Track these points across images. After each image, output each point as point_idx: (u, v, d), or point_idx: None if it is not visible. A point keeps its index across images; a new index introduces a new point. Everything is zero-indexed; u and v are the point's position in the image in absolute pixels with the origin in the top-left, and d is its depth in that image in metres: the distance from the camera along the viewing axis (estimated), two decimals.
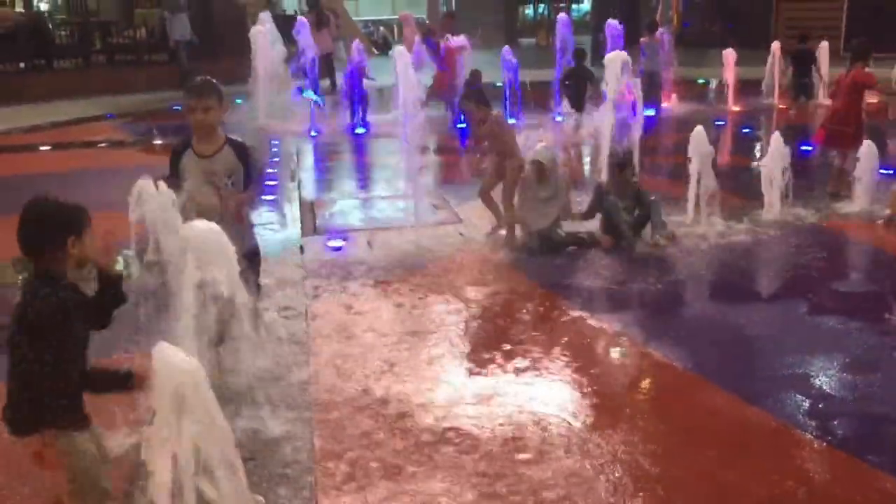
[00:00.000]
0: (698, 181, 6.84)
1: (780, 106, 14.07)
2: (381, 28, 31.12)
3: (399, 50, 6.91)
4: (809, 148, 9.38)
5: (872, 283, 5.99)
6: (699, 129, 6.85)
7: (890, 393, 4.18)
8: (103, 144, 12.36)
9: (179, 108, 15.55)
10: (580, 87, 12.22)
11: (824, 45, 14.23)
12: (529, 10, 36.48)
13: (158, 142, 12.09)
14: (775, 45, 14.27)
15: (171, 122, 13.83)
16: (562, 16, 14.01)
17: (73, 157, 11.21)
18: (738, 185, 8.34)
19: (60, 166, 10.35)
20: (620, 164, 6.67)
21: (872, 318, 5.20)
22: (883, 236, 6.82)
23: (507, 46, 13.16)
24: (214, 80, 4.21)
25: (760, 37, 19.41)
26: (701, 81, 17.71)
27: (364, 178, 10.45)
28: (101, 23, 20.57)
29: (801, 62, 13.75)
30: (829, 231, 6.99)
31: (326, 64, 14.02)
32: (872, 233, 6.94)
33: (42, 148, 12.09)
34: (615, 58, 6.75)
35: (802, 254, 6.41)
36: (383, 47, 15.80)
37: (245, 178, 4.22)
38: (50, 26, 19.52)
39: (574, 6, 32.22)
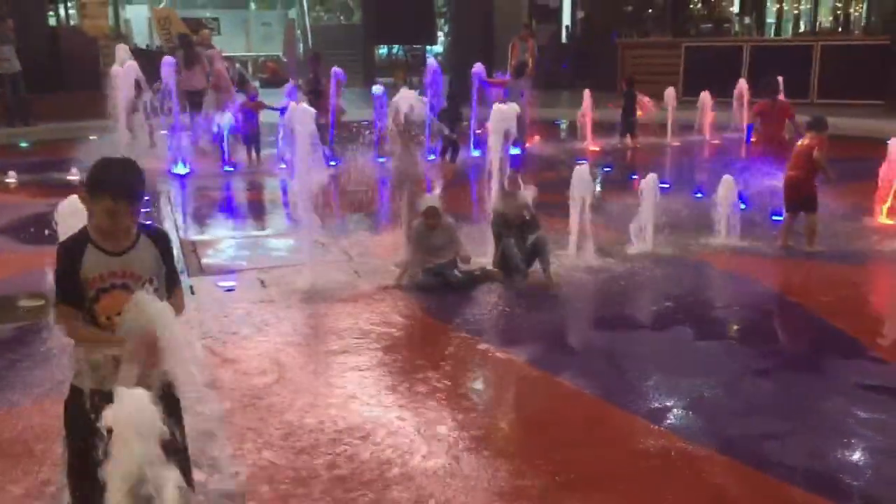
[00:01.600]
0: (580, 217, 7.20)
1: (634, 145, 15.01)
2: (237, 65, 30.71)
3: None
4: (667, 185, 10.05)
5: (741, 308, 6.47)
6: (582, 167, 7.22)
7: (779, 407, 4.57)
8: None
9: (25, 144, 14.92)
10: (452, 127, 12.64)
11: (670, 90, 15.50)
12: (383, 50, 36.93)
13: (11, 180, 11.38)
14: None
15: (21, 159, 13.12)
16: (431, 60, 14.50)
17: None
18: (609, 219, 8.80)
19: None
20: (510, 193, 6.92)
21: (748, 340, 5.69)
22: (743, 265, 7.39)
23: (378, 84, 13.40)
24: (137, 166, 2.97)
25: (609, 79, 20.61)
26: (558, 122, 18.54)
27: (243, 216, 10.27)
28: None
29: (629, 103, 15.16)
30: (697, 263, 7.49)
31: (193, 102, 13.75)
32: (734, 263, 7.50)
33: None
34: (504, 110, 7.08)
35: (677, 283, 6.86)
36: (238, 84, 16.08)
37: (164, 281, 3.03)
38: None
39: (428, 47, 32.94)
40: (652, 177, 7.62)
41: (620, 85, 15.90)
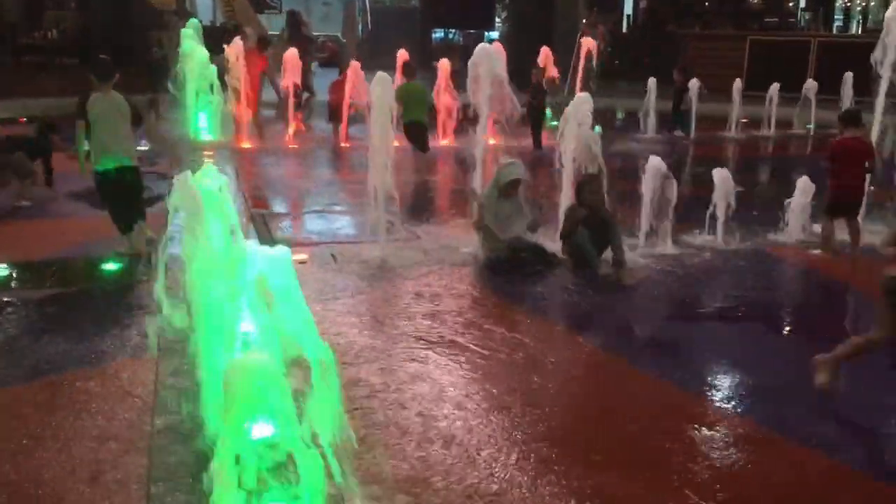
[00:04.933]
0: (651, 206, 7.19)
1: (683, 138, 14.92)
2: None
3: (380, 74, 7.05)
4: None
5: (810, 301, 6.50)
6: (655, 158, 7.20)
7: (848, 397, 4.55)
8: None
9: None
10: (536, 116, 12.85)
11: (737, 82, 15.24)
12: (439, 34, 36.81)
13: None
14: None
15: None
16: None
17: None
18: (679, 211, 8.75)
19: None
20: (589, 184, 6.91)
21: (816, 331, 5.70)
22: (813, 260, 7.35)
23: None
24: None
25: (667, 70, 20.29)
26: (619, 113, 18.41)
27: (308, 192, 10.41)
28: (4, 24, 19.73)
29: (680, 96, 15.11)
30: (769, 255, 7.48)
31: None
32: (804, 257, 7.47)
33: None
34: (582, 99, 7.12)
35: (751, 275, 6.89)
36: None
37: None
38: None
39: (485, 32, 32.81)
40: (721, 169, 7.58)
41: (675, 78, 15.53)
